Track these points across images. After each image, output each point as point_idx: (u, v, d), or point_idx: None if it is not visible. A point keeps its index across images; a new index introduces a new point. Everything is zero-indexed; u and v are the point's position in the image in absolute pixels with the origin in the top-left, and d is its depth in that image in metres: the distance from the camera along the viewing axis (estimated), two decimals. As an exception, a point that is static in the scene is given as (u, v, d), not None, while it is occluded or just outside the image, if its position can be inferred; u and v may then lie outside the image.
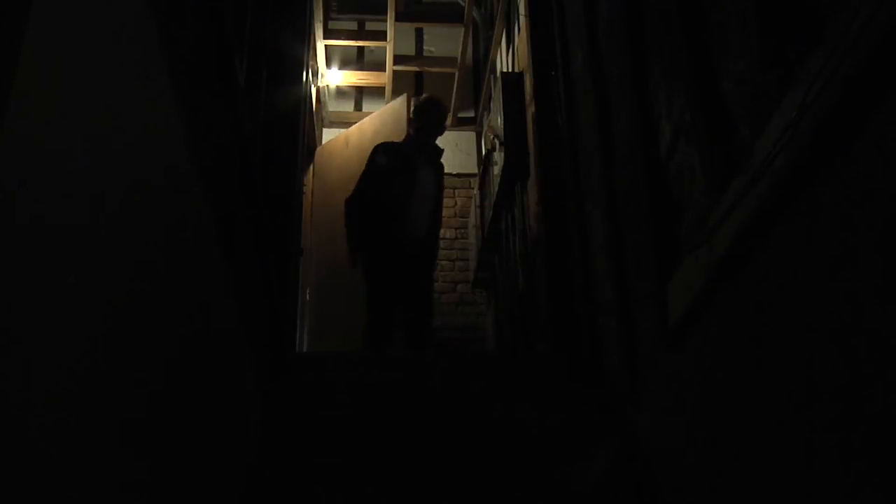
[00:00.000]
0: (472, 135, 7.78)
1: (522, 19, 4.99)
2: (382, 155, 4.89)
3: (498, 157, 5.63)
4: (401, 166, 4.76)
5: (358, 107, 7.85)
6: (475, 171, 7.57)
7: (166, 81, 1.36)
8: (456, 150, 7.48)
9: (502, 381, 3.30)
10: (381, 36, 7.17)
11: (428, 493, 2.41)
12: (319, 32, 6.68)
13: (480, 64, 7.54)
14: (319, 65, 6.89)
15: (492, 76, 6.55)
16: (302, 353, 5.25)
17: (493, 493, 2.42)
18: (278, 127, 3.08)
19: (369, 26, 7.64)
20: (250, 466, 2.39)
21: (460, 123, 7.69)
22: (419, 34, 7.91)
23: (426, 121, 4.93)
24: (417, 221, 4.68)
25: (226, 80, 1.84)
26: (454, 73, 7.49)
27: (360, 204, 4.76)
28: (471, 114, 7.79)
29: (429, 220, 4.76)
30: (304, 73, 4.14)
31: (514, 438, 2.67)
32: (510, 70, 5.71)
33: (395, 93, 7.21)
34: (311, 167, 6.89)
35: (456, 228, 7.78)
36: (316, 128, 6.98)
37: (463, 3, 7.06)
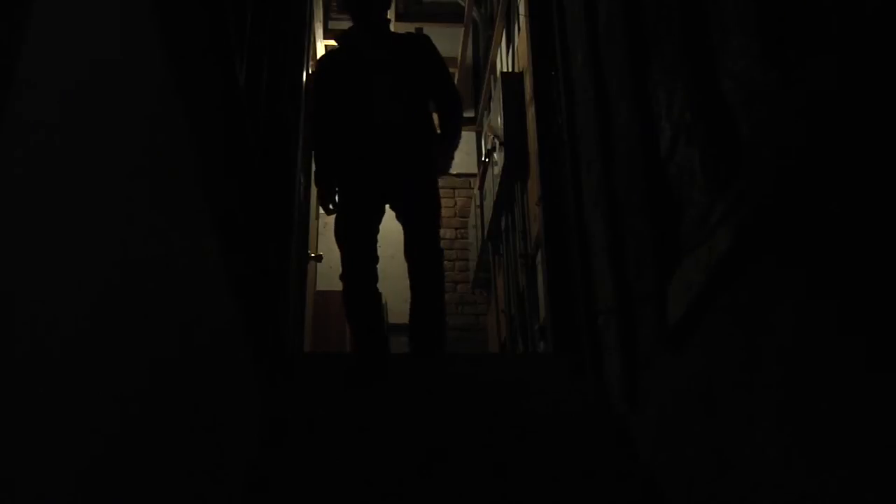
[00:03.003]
0: (472, 135, 7.78)
1: (522, 19, 4.99)
2: (322, 64, 3.85)
3: (498, 157, 5.63)
4: (349, 67, 3.61)
5: (358, 106, 7.85)
6: (475, 171, 7.57)
7: (167, 82, 1.36)
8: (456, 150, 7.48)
9: (503, 380, 3.30)
10: (381, 36, 7.17)
11: (433, 488, 2.40)
12: (319, 32, 6.68)
13: (480, 64, 7.55)
14: (319, 65, 6.89)
15: (492, 76, 6.55)
16: (306, 352, 5.22)
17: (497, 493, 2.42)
18: (278, 127, 3.08)
19: (370, 26, 7.64)
20: (251, 466, 2.39)
21: (460, 123, 7.69)
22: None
23: None
24: (392, 116, 3.51)
25: (226, 80, 1.84)
26: (454, 73, 7.50)
27: (315, 128, 3.69)
28: (471, 114, 7.80)
29: (407, 115, 3.55)
30: (305, 73, 4.14)
31: (516, 436, 2.67)
32: (510, 70, 5.71)
33: (396, 93, 7.20)
34: (313, 167, 6.89)
35: (456, 228, 7.79)
36: (316, 128, 6.97)
37: (463, 3, 7.07)
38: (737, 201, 1.65)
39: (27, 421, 0.87)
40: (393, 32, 3.85)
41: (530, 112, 4.79)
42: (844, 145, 1.28)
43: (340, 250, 3.47)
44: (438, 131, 3.76)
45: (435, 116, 3.74)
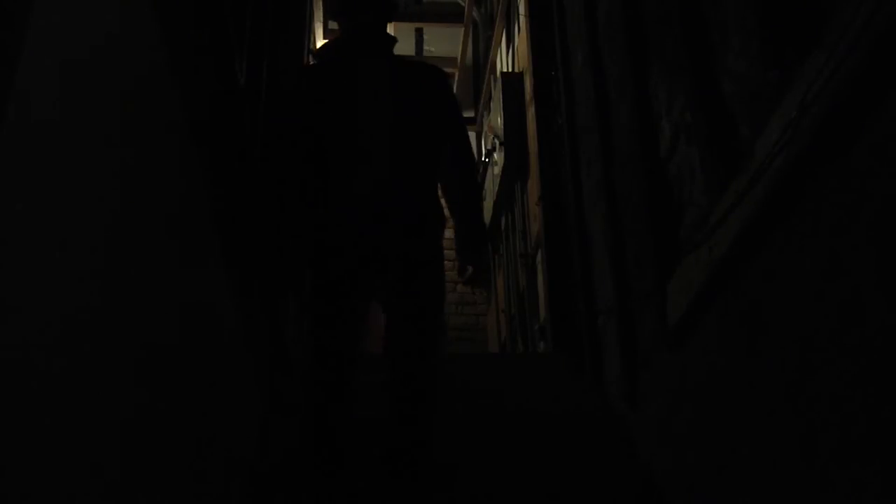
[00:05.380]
0: (472, 135, 7.79)
1: (522, 19, 4.99)
2: (304, 78, 2.76)
3: (498, 157, 5.63)
4: (337, 88, 2.54)
5: (358, 106, 7.85)
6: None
7: (168, 82, 1.36)
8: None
9: (503, 381, 3.30)
10: (380, 36, 7.17)
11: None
12: (319, 32, 6.68)
13: (480, 64, 7.55)
14: (319, 65, 6.88)
15: (492, 76, 6.55)
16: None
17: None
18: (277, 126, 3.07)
19: (369, 26, 7.64)
20: (251, 465, 2.39)
21: (460, 123, 7.70)
22: (419, 34, 7.91)
23: None
24: (380, 171, 2.44)
25: (226, 80, 1.84)
26: (454, 73, 7.50)
27: (280, 168, 2.55)
28: (471, 114, 7.80)
29: (407, 166, 2.49)
30: (304, 74, 4.13)
31: (516, 436, 2.67)
32: (510, 70, 5.71)
33: (396, 93, 7.21)
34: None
35: (456, 228, 7.78)
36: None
37: (463, 3, 7.07)
38: (737, 201, 1.66)
39: (28, 418, 0.87)
40: (396, 56, 2.74)
41: (530, 112, 4.79)
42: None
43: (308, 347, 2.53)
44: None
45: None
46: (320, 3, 6.59)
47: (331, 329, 2.40)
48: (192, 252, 1.62)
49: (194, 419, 1.65)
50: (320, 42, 6.72)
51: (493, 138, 5.76)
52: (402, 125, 2.49)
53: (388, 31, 2.72)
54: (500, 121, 5.40)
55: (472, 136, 7.71)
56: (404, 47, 7.61)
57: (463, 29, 7.08)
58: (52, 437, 0.94)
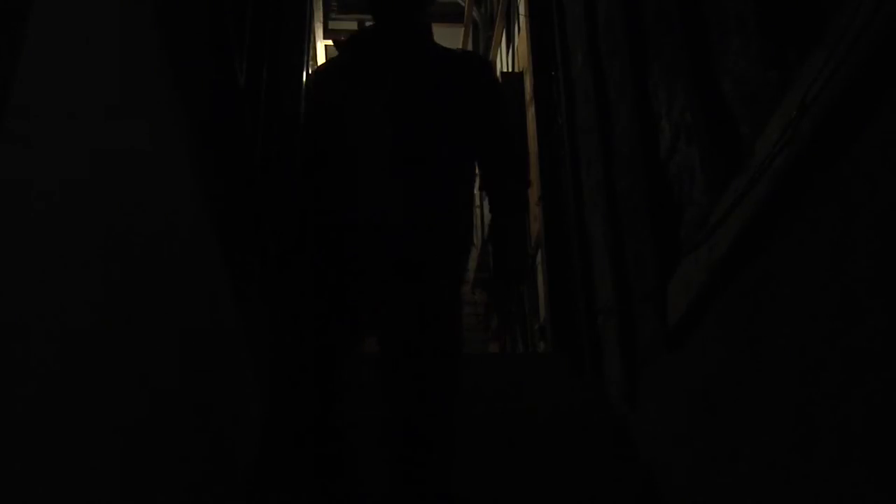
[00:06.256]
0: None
1: (522, 19, 4.99)
2: (326, 75, 2.45)
3: (498, 157, 5.64)
4: (362, 85, 2.16)
5: (358, 106, 7.86)
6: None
7: (168, 83, 1.36)
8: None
9: (503, 380, 3.30)
10: (381, 36, 7.18)
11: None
12: (319, 32, 6.69)
13: (480, 64, 7.56)
14: (319, 65, 6.90)
15: (492, 76, 6.55)
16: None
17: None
18: (278, 127, 3.08)
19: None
20: (251, 465, 2.39)
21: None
22: (419, 34, 7.93)
23: None
24: (381, 200, 2.05)
25: (226, 80, 1.84)
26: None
27: (304, 177, 2.30)
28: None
29: (434, 186, 2.06)
30: (305, 74, 4.14)
31: (516, 436, 2.67)
32: (510, 70, 5.72)
33: (395, 93, 7.22)
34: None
35: (456, 228, 7.78)
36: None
37: (463, 3, 7.08)
38: (737, 201, 1.66)
39: (27, 417, 0.87)
40: (436, 46, 2.24)
41: (530, 112, 4.80)
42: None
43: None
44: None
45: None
46: (320, 3, 6.59)
47: (327, 334, 2.10)
48: (192, 251, 1.62)
49: (194, 419, 1.65)
50: (321, 42, 6.71)
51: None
52: (414, 136, 2.04)
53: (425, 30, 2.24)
54: (500, 121, 5.40)
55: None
56: (404, 47, 7.62)
57: (463, 29, 7.09)
58: (51, 438, 0.94)
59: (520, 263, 2.35)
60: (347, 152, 2.10)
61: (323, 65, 2.57)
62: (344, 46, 2.39)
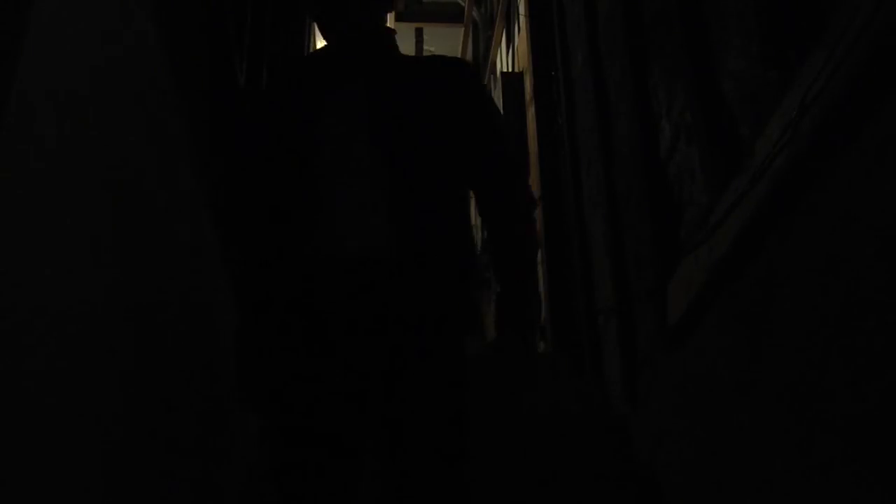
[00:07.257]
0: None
1: (522, 19, 4.99)
2: (265, 96, 1.83)
3: (498, 157, 5.64)
4: (302, 108, 1.54)
5: (358, 107, 7.86)
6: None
7: (169, 82, 1.36)
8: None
9: (503, 380, 3.29)
10: (380, 36, 7.18)
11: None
12: (319, 33, 6.69)
13: (480, 64, 7.55)
14: (319, 65, 6.89)
15: (492, 76, 6.55)
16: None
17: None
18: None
19: (369, 26, 7.66)
20: (251, 465, 2.39)
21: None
22: (419, 34, 7.93)
23: None
24: (359, 220, 1.44)
25: (226, 80, 1.84)
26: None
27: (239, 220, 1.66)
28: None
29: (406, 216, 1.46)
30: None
31: (516, 436, 2.67)
32: (510, 70, 5.72)
33: (396, 93, 7.22)
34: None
35: (456, 228, 7.77)
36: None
37: (463, 3, 7.08)
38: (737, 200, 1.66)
39: (30, 419, 0.87)
40: (403, 55, 1.69)
41: (530, 112, 4.80)
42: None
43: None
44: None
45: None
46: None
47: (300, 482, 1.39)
48: (191, 249, 1.61)
49: (194, 419, 1.65)
50: (320, 42, 6.71)
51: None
52: (404, 156, 1.50)
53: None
54: (500, 121, 5.40)
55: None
56: (404, 47, 7.62)
57: (463, 29, 7.09)
58: (51, 437, 0.94)
59: (535, 314, 1.83)
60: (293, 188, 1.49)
61: (269, 83, 1.87)
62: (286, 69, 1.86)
